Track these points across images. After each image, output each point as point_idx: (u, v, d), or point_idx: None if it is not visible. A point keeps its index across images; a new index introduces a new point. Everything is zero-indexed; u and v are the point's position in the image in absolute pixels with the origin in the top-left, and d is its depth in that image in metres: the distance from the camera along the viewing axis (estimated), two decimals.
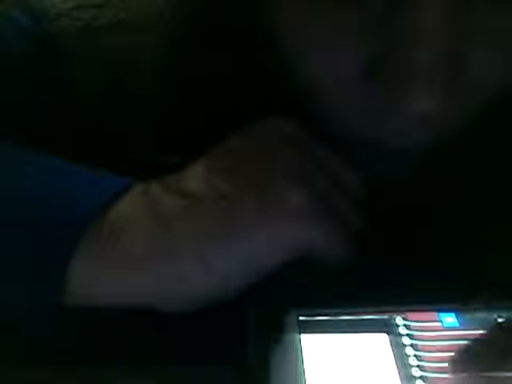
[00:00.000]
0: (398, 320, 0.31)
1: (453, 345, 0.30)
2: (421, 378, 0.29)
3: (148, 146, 0.38)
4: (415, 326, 0.31)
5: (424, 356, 0.30)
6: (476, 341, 0.29)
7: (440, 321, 0.31)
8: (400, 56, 0.29)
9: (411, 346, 0.30)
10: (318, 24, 0.30)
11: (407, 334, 0.31)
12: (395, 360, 0.29)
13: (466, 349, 0.29)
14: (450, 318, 0.31)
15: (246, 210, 0.30)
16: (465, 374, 0.28)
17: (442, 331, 0.31)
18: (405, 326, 0.31)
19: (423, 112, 0.29)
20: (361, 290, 0.32)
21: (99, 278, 0.30)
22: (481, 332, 0.30)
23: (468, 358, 0.29)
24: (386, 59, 0.29)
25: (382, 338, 0.30)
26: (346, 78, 0.31)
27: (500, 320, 0.31)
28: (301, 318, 0.31)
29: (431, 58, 0.28)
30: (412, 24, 0.28)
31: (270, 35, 0.33)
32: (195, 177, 0.32)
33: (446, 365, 0.29)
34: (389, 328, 0.31)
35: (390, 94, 0.30)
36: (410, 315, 0.31)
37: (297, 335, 0.31)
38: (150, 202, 0.31)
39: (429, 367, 0.29)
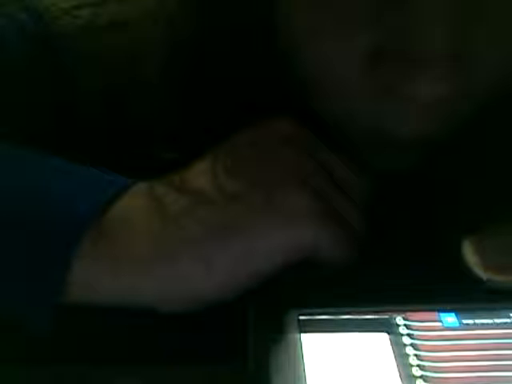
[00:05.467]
0: (398, 320, 0.31)
1: (453, 345, 0.30)
2: (421, 377, 0.29)
3: (149, 145, 0.38)
4: (415, 326, 0.31)
5: (424, 355, 0.30)
6: None
7: (440, 321, 0.31)
8: (402, 43, 0.28)
9: (411, 345, 0.30)
10: (320, 13, 0.30)
11: (407, 334, 0.31)
12: (395, 359, 0.29)
13: None
14: (450, 318, 0.31)
15: (246, 211, 0.30)
16: None
17: (442, 331, 0.31)
18: (405, 325, 0.31)
19: (425, 99, 0.29)
20: (361, 290, 0.32)
21: (99, 279, 0.30)
22: None
23: None
24: (388, 46, 0.29)
25: (382, 338, 0.31)
26: (348, 67, 0.31)
27: None
28: (301, 317, 0.31)
29: (433, 44, 0.28)
30: (413, 10, 0.28)
31: (272, 29, 0.33)
32: (199, 176, 0.32)
33: (446, 365, 0.29)
34: (389, 328, 0.31)
35: (392, 82, 0.30)
36: (410, 315, 0.31)
37: (297, 335, 0.31)
38: (151, 201, 0.31)
39: (429, 367, 0.29)
